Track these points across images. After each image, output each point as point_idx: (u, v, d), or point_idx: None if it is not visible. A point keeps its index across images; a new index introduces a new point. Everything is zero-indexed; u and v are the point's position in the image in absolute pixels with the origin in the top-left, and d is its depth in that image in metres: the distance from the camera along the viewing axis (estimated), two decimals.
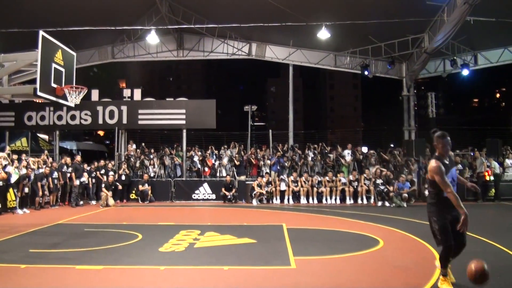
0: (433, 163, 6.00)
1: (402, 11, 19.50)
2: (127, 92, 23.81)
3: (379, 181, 19.23)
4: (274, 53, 26.23)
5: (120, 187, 20.00)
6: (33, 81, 11.02)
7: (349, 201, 19.46)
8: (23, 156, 19.04)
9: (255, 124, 31.48)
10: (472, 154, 23.05)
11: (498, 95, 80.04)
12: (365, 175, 20.04)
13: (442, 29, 19.23)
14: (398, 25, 20.12)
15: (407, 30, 21.60)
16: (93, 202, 19.62)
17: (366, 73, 24.59)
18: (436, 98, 25.61)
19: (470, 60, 24.80)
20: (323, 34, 20.80)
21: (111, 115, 22.95)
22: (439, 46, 20.79)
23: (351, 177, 20.11)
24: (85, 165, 20.28)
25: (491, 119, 46.88)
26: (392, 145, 27.01)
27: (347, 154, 22.12)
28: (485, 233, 10.31)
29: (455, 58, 23.49)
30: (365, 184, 19.64)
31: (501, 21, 19.25)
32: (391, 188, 18.60)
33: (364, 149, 23.74)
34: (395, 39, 22.81)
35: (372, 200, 19.38)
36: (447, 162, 6.10)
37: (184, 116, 23.04)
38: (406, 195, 18.19)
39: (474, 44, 24.16)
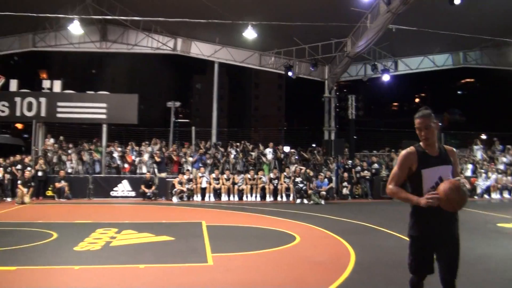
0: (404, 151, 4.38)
1: (327, 15, 20.02)
2: (46, 83, 22.94)
3: (298, 179, 19.73)
4: (200, 49, 26.21)
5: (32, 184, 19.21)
6: None
7: (269, 199, 19.86)
8: None
9: (178, 120, 31.26)
10: (389, 154, 24.21)
11: (417, 100, 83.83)
12: (285, 173, 20.49)
13: (365, 35, 19.90)
14: (322, 29, 20.70)
15: (331, 34, 22.26)
16: (9, 199, 18.84)
17: (289, 73, 25.11)
18: (356, 101, 26.44)
19: (391, 66, 25.91)
20: (249, 33, 21.04)
21: (29, 107, 22.05)
22: (361, 51, 21.56)
23: (271, 175, 20.48)
24: (0, 160, 19.42)
25: (410, 122, 49.19)
26: (313, 145, 27.75)
27: (269, 152, 22.50)
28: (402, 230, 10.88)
29: (375, 63, 24.44)
30: (285, 182, 20.09)
31: (422, 30, 20.22)
32: (310, 186, 19.13)
33: (286, 149, 24.27)
34: (319, 42, 23.44)
35: (291, 198, 19.85)
36: (432, 155, 4.26)
37: (105, 110, 22.57)
38: (324, 192, 18.77)
39: (396, 51, 25.34)
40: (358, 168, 21.97)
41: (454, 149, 4.42)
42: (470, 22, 20.68)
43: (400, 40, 22.22)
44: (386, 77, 25.08)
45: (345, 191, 20.81)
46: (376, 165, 22.43)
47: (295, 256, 8.31)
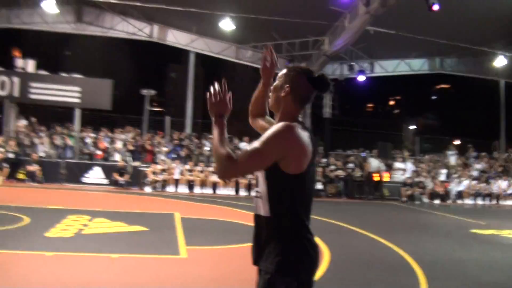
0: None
1: (305, 12, 19.98)
2: (19, 63, 22.40)
3: None
4: (176, 38, 25.98)
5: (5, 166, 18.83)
6: None
7: (243, 193, 19.87)
8: None
9: (153, 109, 30.93)
10: (363, 155, 24.43)
11: (392, 103, 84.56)
12: None
13: (343, 35, 19.98)
14: (300, 25, 20.70)
15: (308, 31, 22.30)
16: None
17: None
18: (332, 100, 26.59)
19: (367, 67, 26.08)
20: (227, 24, 20.93)
21: (2, 86, 21.51)
22: (338, 51, 21.68)
23: None
24: None
25: (383, 124, 49.75)
26: None
27: (243, 146, 22.48)
28: (374, 230, 11.01)
29: (352, 64, 24.61)
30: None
31: (400, 34, 20.42)
32: None
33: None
34: (297, 38, 23.49)
35: None
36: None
37: (79, 94, 22.18)
38: None
39: (373, 53, 25.54)
40: (333, 167, 22.10)
41: (281, 123, 2.54)
42: (448, 29, 20.88)
43: (377, 42, 22.31)
44: (361, 78, 25.27)
45: (319, 186, 20.81)
46: (351, 165, 22.62)
47: None
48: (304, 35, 22.90)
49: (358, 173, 21.92)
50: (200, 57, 27.99)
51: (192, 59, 26.56)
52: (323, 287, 6.20)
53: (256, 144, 2.46)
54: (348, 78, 27.52)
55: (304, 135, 2.53)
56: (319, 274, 6.77)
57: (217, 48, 26.33)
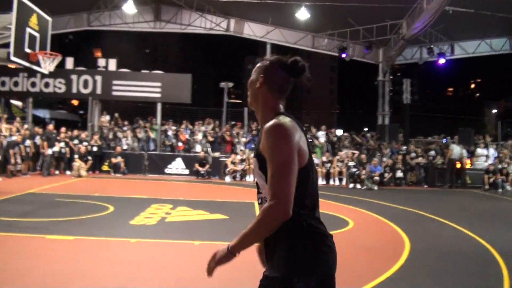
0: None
1: None
2: (102, 62, 23.37)
3: (351, 163, 19.37)
4: (253, 30, 26.00)
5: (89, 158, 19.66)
6: (6, 45, 10.74)
7: (321, 182, 19.60)
8: None
9: (230, 101, 31.27)
10: (444, 141, 23.45)
11: (472, 86, 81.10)
12: (338, 157, 20.18)
13: (421, 17, 19.27)
14: (377, 10, 20.14)
15: (386, 15, 21.64)
16: (68, 172, 19.34)
17: (343, 56, 24.60)
18: (411, 85, 25.67)
19: (447, 50, 24.95)
20: (303, 14, 20.67)
21: (85, 85, 22.50)
22: (417, 34, 20.92)
23: (324, 158, 20.23)
24: (62, 135, 19.85)
25: (464, 108, 47.66)
26: (366, 129, 27.26)
27: (321, 135, 22.22)
28: (455, 219, 10.56)
29: (432, 46, 23.65)
30: (337, 165, 19.80)
31: (479, 13, 19.40)
32: (363, 171, 18.78)
33: (339, 132, 23.89)
34: (374, 23, 22.84)
35: (344, 182, 19.57)
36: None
37: (159, 90, 22.77)
38: (377, 178, 18.38)
39: (452, 34, 24.33)
40: (413, 154, 21.34)
41: (269, 125, 2.31)
42: None
43: (456, 22, 21.22)
44: (442, 61, 24.29)
45: (399, 173, 20.18)
46: (432, 152, 21.74)
47: (349, 241, 8.08)
48: (381, 19, 22.24)
49: (439, 161, 20.98)
50: (275, 47, 27.93)
51: (268, 50, 26.52)
52: (402, 277, 6.03)
53: (270, 165, 2.24)
54: (427, 61, 26.50)
55: (294, 125, 2.37)
56: (398, 263, 6.56)
57: (293, 38, 26.11)
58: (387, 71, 26.22)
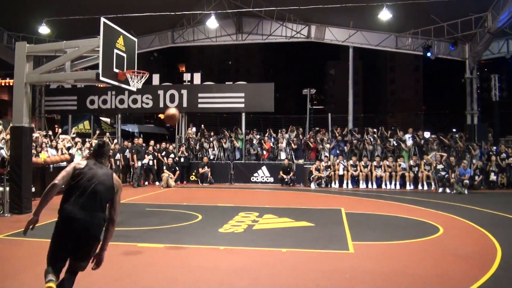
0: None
1: None
2: (187, 76, 24.28)
3: (440, 166, 18.69)
4: (334, 35, 25.79)
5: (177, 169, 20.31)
6: (95, 67, 11.36)
7: (409, 187, 19.10)
8: (87, 139, 19.84)
9: (313, 107, 31.10)
10: None
11: None
12: (425, 160, 19.56)
13: (506, 8, 18.32)
14: (460, 4, 19.44)
15: (470, 8, 20.77)
16: (157, 183, 20.11)
17: (428, 54, 23.79)
18: (499, 81, 24.39)
19: None
20: (384, 14, 20.28)
21: (172, 99, 23.49)
22: (503, 26, 19.88)
23: (411, 162, 19.69)
24: (150, 148, 20.74)
25: None
26: (454, 130, 26.22)
27: (408, 138, 21.61)
28: None
29: None
30: (425, 169, 19.20)
31: None
32: (452, 174, 18.08)
33: (427, 134, 23.13)
34: (458, 18, 21.96)
35: (432, 186, 18.94)
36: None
37: (243, 100, 23.30)
38: (467, 181, 17.62)
39: None
40: (504, 155, 20.24)
41: None
42: None
43: None
44: None
45: (492, 176, 19.24)
46: None
47: (439, 248, 7.85)
48: (465, 13, 21.30)
49: None
50: (357, 50, 27.57)
51: (351, 54, 26.23)
52: (494, 287, 5.78)
53: None
54: None
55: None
56: (490, 271, 6.30)
57: (376, 39, 25.60)
58: (474, 67, 25.02)
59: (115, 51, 11.29)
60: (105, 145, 4.80)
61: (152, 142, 21.29)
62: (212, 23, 22.70)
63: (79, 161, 4.68)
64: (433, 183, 18.88)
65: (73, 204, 4.31)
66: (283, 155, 21.66)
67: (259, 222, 10.09)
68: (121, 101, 23.82)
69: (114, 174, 4.74)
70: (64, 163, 16.42)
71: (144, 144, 21.17)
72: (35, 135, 16.35)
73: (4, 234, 8.60)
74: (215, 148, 22.21)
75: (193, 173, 21.14)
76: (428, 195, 16.85)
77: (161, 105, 23.62)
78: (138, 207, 12.95)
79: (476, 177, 18.58)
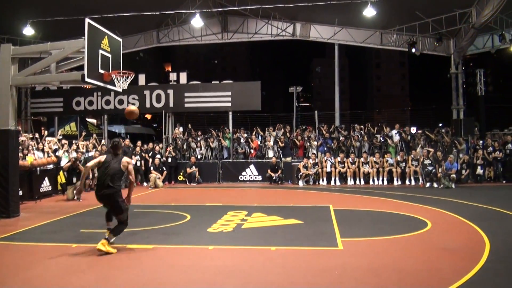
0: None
1: None
2: (173, 76, 24.24)
3: (427, 161, 18.80)
4: (319, 32, 25.87)
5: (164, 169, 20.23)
6: (80, 68, 11.27)
7: (396, 182, 19.20)
8: (74, 141, 19.69)
9: (300, 105, 31.10)
10: None
11: None
12: (412, 155, 19.67)
13: (490, 3, 18.49)
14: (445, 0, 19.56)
15: (454, 4, 20.96)
16: (144, 184, 20.00)
17: (413, 50, 23.91)
18: (485, 75, 24.58)
19: None
20: (369, 11, 20.35)
21: (158, 99, 23.45)
22: (487, 21, 20.02)
23: (398, 158, 19.80)
24: (137, 148, 20.63)
25: None
26: (440, 125, 26.39)
27: (394, 134, 21.72)
28: None
29: (503, 33, 22.56)
30: (412, 165, 19.31)
31: None
32: (439, 169, 18.20)
33: (413, 130, 23.26)
34: (443, 14, 22.11)
35: (420, 181, 19.05)
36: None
37: (229, 99, 23.34)
38: (454, 175, 17.75)
39: None
40: (490, 148, 20.41)
41: None
42: None
43: None
44: None
45: (479, 170, 19.38)
46: (510, 145, 20.69)
47: (427, 242, 7.92)
48: (450, 9, 21.46)
49: None
50: (343, 47, 27.65)
51: (336, 51, 26.29)
52: (483, 280, 5.84)
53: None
54: (500, 49, 25.21)
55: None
56: (479, 264, 6.38)
57: (361, 36, 25.70)
58: (459, 62, 25.18)
59: (100, 51, 11.21)
60: (116, 143, 8.07)
61: (139, 143, 21.18)
62: (197, 22, 22.61)
63: (103, 155, 8.11)
64: (420, 178, 18.99)
65: (98, 182, 7.61)
66: (270, 153, 21.65)
67: (248, 221, 10.09)
68: (107, 102, 23.71)
69: (123, 159, 7.78)
70: (51, 166, 16.32)
71: (131, 145, 21.07)
72: (22, 138, 16.22)
73: None
74: (203, 148, 22.14)
75: (181, 173, 21.06)
76: (415, 190, 16.94)
77: (148, 105, 23.57)
78: None
79: (463, 171, 18.73)
